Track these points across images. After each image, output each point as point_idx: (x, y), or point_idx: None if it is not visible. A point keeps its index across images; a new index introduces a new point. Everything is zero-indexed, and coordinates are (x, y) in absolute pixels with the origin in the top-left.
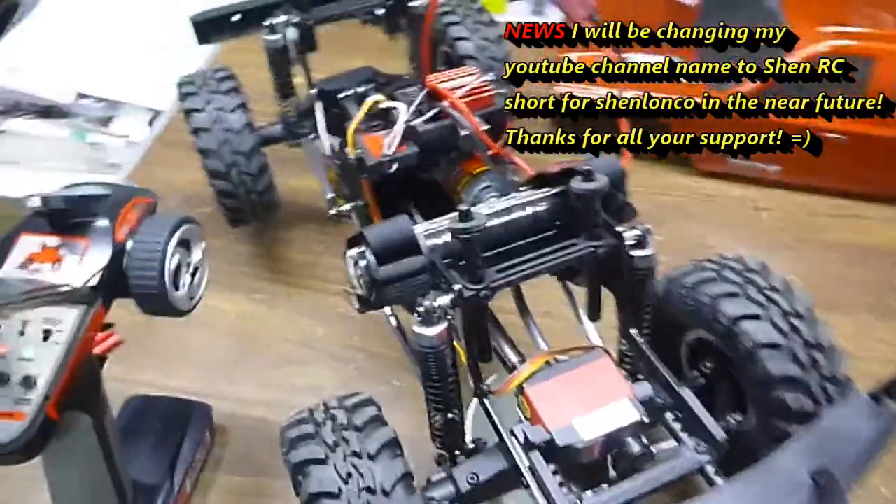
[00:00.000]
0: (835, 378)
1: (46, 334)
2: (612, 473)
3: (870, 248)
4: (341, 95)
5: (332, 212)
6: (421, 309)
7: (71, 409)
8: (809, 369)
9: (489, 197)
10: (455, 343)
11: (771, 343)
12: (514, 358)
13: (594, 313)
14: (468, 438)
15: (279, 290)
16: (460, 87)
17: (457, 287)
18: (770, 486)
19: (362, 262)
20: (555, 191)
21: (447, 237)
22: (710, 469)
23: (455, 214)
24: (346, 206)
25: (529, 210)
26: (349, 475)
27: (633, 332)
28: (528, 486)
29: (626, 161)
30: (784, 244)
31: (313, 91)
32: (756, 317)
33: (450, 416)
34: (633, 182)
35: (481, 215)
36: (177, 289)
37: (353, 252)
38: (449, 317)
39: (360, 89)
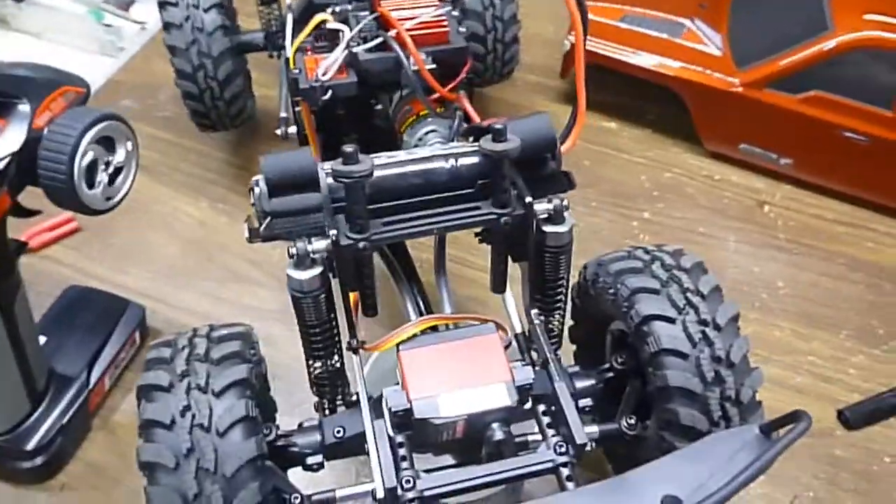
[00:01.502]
0: (738, 399)
1: None
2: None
3: (873, 266)
4: (329, 10)
5: (278, 131)
6: (293, 251)
7: None
8: (712, 386)
9: (434, 142)
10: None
11: (675, 350)
12: (412, 315)
13: (497, 285)
14: (359, 390)
15: (244, 204)
16: (412, 18)
17: (333, 233)
18: (615, 502)
19: (256, 190)
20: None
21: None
22: (563, 471)
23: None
24: (292, 129)
25: (450, 163)
26: (186, 408)
27: (534, 312)
28: (362, 454)
29: (579, 126)
30: (779, 244)
31: (290, 1)
32: (668, 319)
33: (328, 363)
34: (635, 152)
35: (367, 161)
36: (91, 186)
37: (254, 178)
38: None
39: (350, 7)
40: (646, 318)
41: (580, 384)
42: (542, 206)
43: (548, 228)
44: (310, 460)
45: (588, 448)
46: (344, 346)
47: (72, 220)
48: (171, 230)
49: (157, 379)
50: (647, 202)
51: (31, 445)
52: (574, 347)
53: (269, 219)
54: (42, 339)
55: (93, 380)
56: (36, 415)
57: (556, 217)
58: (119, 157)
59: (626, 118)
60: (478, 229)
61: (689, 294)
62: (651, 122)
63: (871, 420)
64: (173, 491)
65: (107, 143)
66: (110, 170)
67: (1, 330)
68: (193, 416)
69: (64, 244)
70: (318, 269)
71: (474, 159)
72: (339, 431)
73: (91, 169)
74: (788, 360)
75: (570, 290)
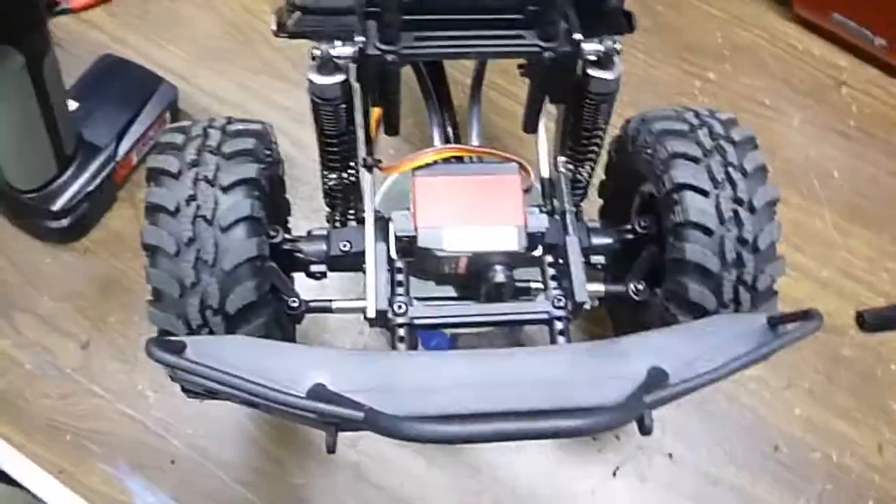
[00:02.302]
0: (754, 286)
1: None
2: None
3: None
4: None
5: None
6: (317, 53)
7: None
8: (730, 267)
9: None
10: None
11: (701, 225)
12: (437, 141)
13: (529, 125)
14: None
15: None
16: None
17: (361, 41)
18: (601, 364)
19: None
20: None
21: None
22: (557, 325)
23: None
24: None
25: None
26: (191, 198)
27: (562, 159)
28: (364, 271)
29: None
30: (846, 131)
31: None
32: (702, 191)
33: (342, 177)
34: (716, 3)
35: None
36: None
37: None
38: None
39: None
40: (678, 186)
41: (597, 241)
42: (591, 47)
43: (593, 72)
44: (313, 268)
45: (588, 306)
46: (360, 162)
47: None
48: (213, 9)
49: (166, 164)
50: (715, 61)
51: (57, 206)
52: (601, 202)
53: (297, 14)
54: (73, 105)
55: (121, 152)
56: (63, 178)
57: (604, 61)
58: None
59: None
60: (519, 60)
61: (730, 169)
62: None
63: (888, 326)
64: (171, 276)
65: None
66: None
67: (29, 88)
68: (198, 207)
69: (104, 9)
70: (340, 77)
71: None
72: (345, 245)
73: None
74: (821, 251)
75: (607, 143)
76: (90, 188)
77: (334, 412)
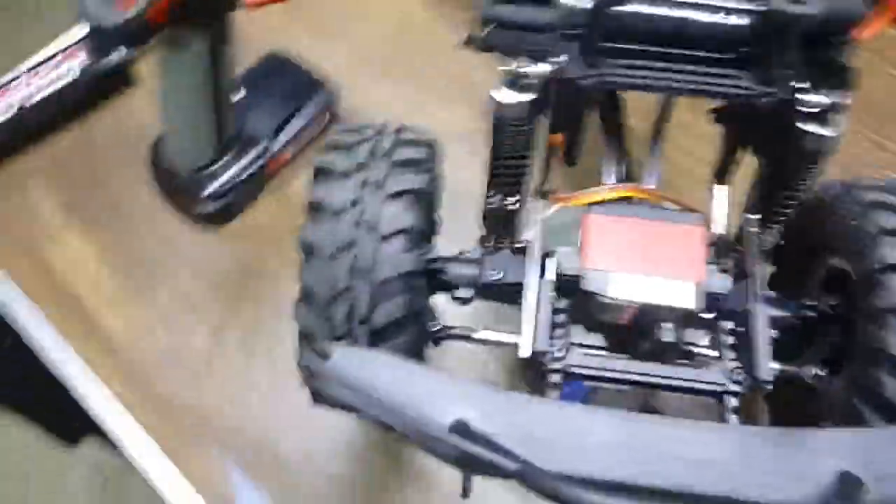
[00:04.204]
0: None
1: None
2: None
3: None
4: None
5: None
6: (508, 69)
7: (187, 24)
8: None
9: None
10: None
11: None
12: (610, 178)
13: (720, 174)
14: (529, 237)
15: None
16: None
17: (562, 59)
18: (781, 456)
19: None
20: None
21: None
22: (730, 401)
23: None
24: None
25: (717, 17)
26: (356, 202)
27: (752, 217)
28: (518, 305)
29: (888, 14)
30: None
31: None
32: None
33: (506, 201)
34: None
35: None
36: None
37: None
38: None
39: None
40: (889, 267)
41: (774, 312)
42: (815, 98)
43: (810, 127)
44: (461, 292)
45: (770, 386)
46: (531, 188)
47: None
48: (381, 17)
49: (336, 163)
50: (876, 123)
51: (208, 191)
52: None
53: (492, 25)
54: (240, 93)
55: (277, 146)
56: (219, 164)
57: (824, 116)
58: None
59: None
60: (715, 105)
61: None
62: None
63: None
64: (325, 279)
65: None
66: None
67: (207, 71)
68: (362, 212)
69: (273, 6)
70: (530, 96)
71: (747, 19)
72: (498, 273)
73: None
74: None
75: None
76: (242, 177)
77: (488, 458)
